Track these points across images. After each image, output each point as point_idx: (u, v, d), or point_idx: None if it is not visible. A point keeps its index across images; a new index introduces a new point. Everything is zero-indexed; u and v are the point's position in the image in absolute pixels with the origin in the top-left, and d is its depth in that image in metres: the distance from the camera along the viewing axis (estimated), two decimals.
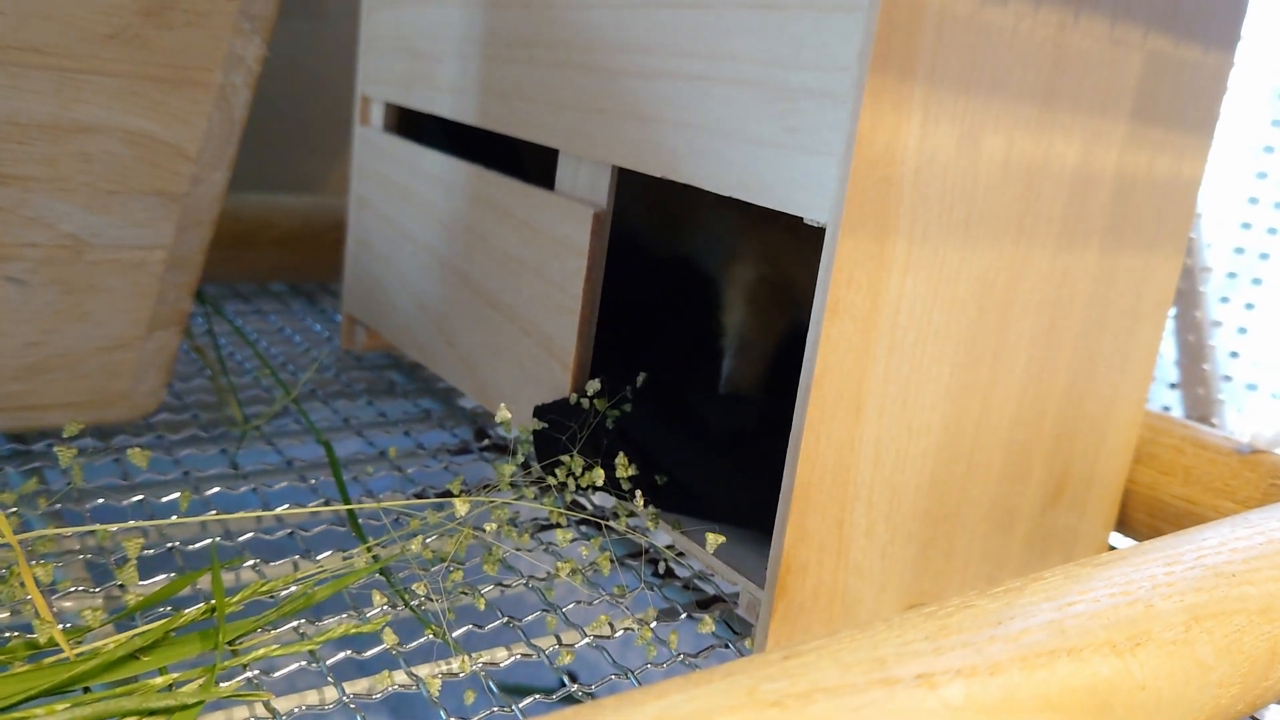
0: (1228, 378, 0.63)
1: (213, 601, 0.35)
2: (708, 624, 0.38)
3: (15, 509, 0.40)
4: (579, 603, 0.39)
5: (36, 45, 0.38)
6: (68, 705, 0.28)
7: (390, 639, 0.35)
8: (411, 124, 0.58)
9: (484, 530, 0.42)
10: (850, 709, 0.22)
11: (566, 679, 0.35)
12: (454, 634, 0.36)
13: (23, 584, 0.34)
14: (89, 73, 0.39)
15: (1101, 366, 0.42)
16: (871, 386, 0.34)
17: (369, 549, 0.40)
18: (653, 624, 0.39)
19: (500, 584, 0.40)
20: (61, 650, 0.31)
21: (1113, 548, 0.46)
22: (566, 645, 0.37)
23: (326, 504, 0.44)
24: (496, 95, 0.47)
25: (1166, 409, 0.64)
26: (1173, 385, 0.65)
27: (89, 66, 0.39)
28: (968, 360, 0.37)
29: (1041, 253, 0.38)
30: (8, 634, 0.33)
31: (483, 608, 0.38)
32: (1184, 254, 0.44)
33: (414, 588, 0.38)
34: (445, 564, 0.40)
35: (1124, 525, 0.47)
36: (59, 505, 0.41)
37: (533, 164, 0.48)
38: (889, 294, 0.34)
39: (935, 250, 0.34)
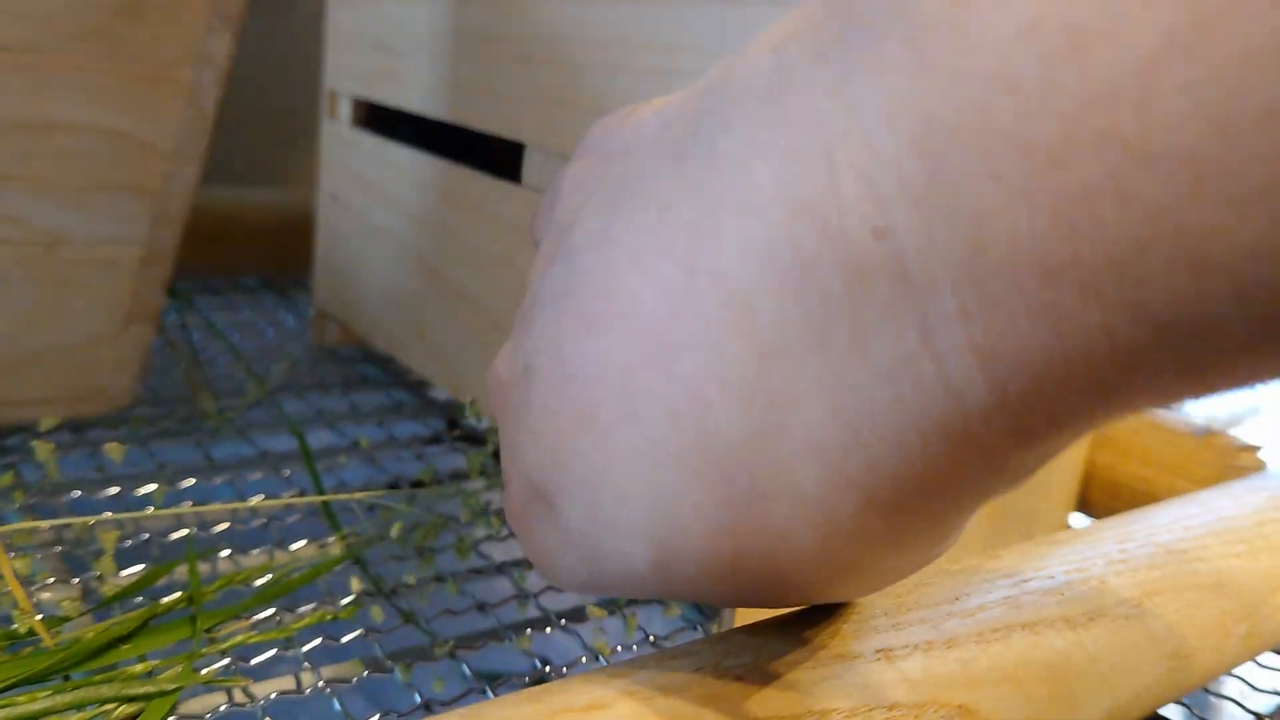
0: None
1: (189, 591, 0.35)
2: (673, 610, 0.39)
3: None
4: (550, 589, 0.40)
5: (7, 43, 0.38)
6: (49, 692, 0.29)
7: (378, 614, 0.35)
8: (382, 118, 0.59)
9: (456, 519, 0.43)
10: (811, 681, 0.23)
11: (539, 663, 0.36)
12: (428, 620, 0.37)
13: (1, 575, 0.35)
14: (61, 70, 0.40)
15: None
16: None
17: (343, 538, 0.40)
18: (624, 608, 0.39)
19: (473, 570, 0.41)
20: (40, 641, 0.32)
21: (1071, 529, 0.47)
22: (539, 630, 0.38)
23: (301, 495, 0.44)
24: (464, 90, 0.47)
25: None
26: None
27: (60, 63, 0.40)
28: None
29: None
30: None
31: (454, 593, 0.39)
32: None
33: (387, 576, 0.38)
34: (418, 551, 0.40)
35: (1085, 506, 0.49)
36: (35, 499, 0.42)
37: (501, 158, 0.49)
38: None
39: None
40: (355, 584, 0.37)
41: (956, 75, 0.14)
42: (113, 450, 0.40)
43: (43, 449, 0.39)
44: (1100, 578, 0.30)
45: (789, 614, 0.26)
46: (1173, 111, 0.13)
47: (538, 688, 0.22)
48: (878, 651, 0.25)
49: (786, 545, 0.18)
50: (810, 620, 0.26)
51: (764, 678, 0.23)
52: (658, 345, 0.18)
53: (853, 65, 0.15)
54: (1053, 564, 0.31)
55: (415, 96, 0.51)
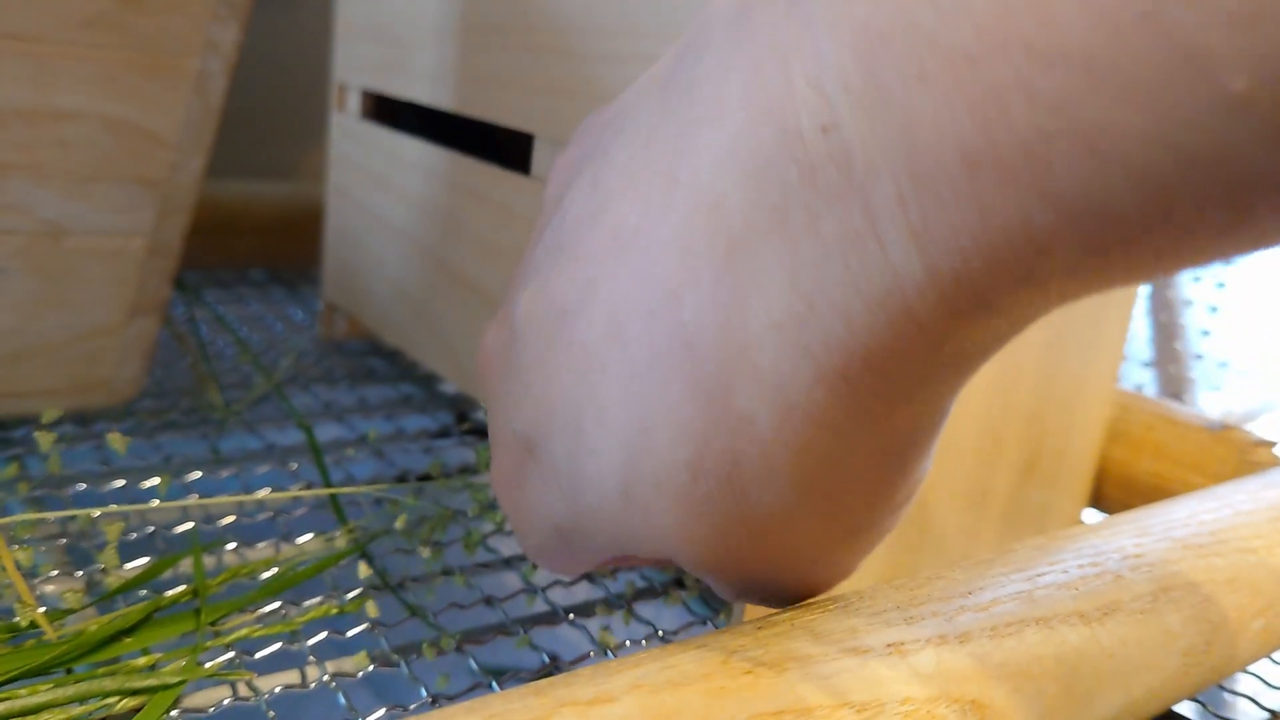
0: (1199, 356, 0.64)
1: (194, 584, 0.35)
2: (675, 598, 0.39)
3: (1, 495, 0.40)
4: (558, 583, 0.40)
5: (12, 31, 0.38)
6: (50, 685, 0.28)
7: (373, 610, 0.35)
8: (390, 110, 0.58)
9: (465, 513, 0.43)
10: (823, 676, 0.23)
11: (547, 658, 0.36)
12: (435, 614, 0.37)
13: (3, 568, 0.35)
14: (66, 59, 0.39)
15: (1073, 343, 0.43)
16: None
17: (350, 531, 0.40)
18: (632, 603, 0.39)
19: (480, 565, 0.40)
20: (42, 634, 0.32)
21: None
22: (547, 625, 0.37)
23: (308, 487, 0.44)
24: (473, 81, 0.47)
25: (1140, 387, 0.65)
26: (1146, 364, 0.66)
27: (66, 52, 0.39)
28: None
29: None
30: None
31: (462, 582, 0.39)
32: None
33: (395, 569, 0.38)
34: (425, 544, 0.40)
35: (1098, 501, 0.48)
36: (40, 491, 0.41)
37: (509, 149, 0.49)
38: None
39: None
40: (364, 570, 0.37)
41: None
42: (116, 441, 0.40)
43: (46, 439, 0.39)
44: (1115, 572, 0.30)
45: (798, 608, 0.26)
46: (1066, 15, 0.14)
47: (543, 681, 0.22)
48: (889, 645, 0.24)
49: (745, 435, 0.20)
50: (820, 613, 0.25)
51: (773, 671, 0.23)
52: (638, 257, 0.20)
53: None
54: (1067, 558, 0.30)
55: (424, 88, 0.51)
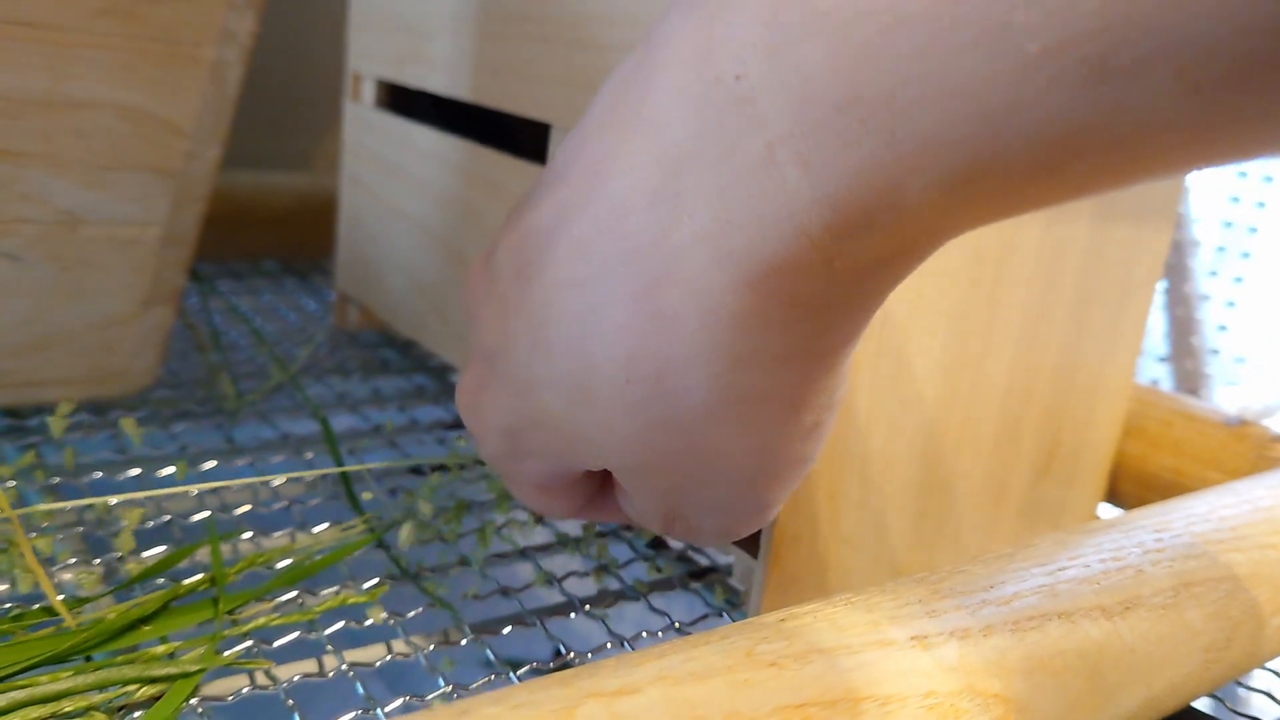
0: (1215, 351, 0.64)
1: (211, 572, 0.35)
2: (720, 592, 0.39)
3: (14, 483, 0.40)
4: (574, 574, 0.40)
5: (29, 19, 0.38)
6: (71, 672, 0.28)
7: (377, 615, 0.35)
8: (405, 100, 0.58)
9: (479, 504, 0.43)
10: (846, 669, 0.23)
11: (563, 648, 0.36)
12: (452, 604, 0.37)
13: (22, 556, 0.35)
14: (82, 47, 0.39)
15: (1091, 339, 0.43)
16: (864, 359, 0.35)
17: (365, 521, 0.40)
18: (649, 595, 0.39)
19: (496, 555, 0.40)
20: (61, 621, 0.32)
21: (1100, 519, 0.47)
22: (562, 615, 0.37)
23: (330, 469, 0.44)
24: (489, 71, 0.47)
25: (1155, 382, 0.65)
26: (1161, 359, 0.66)
27: (82, 41, 0.39)
28: (959, 333, 0.37)
29: (1033, 224, 0.38)
30: (8, 605, 0.33)
31: (481, 565, 0.39)
32: (1174, 227, 0.44)
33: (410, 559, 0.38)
34: (440, 535, 0.40)
35: (1113, 497, 0.48)
36: (57, 480, 0.41)
37: (525, 139, 0.48)
38: None
39: None
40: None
41: None
42: (129, 426, 0.40)
43: (57, 425, 0.39)
44: (1136, 567, 0.30)
45: (823, 601, 0.26)
46: None
47: (568, 671, 0.22)
48: (913, 638, 0.24)
49: (672, 335, 0.23)
50: (843, 606, 0.25)
51: (797, 663, 0.23)
52: (605, 184, 0.23)
53: None
54: (1088, 552, 0.30)
55: (440, 77, 0.51)
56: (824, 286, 0.22)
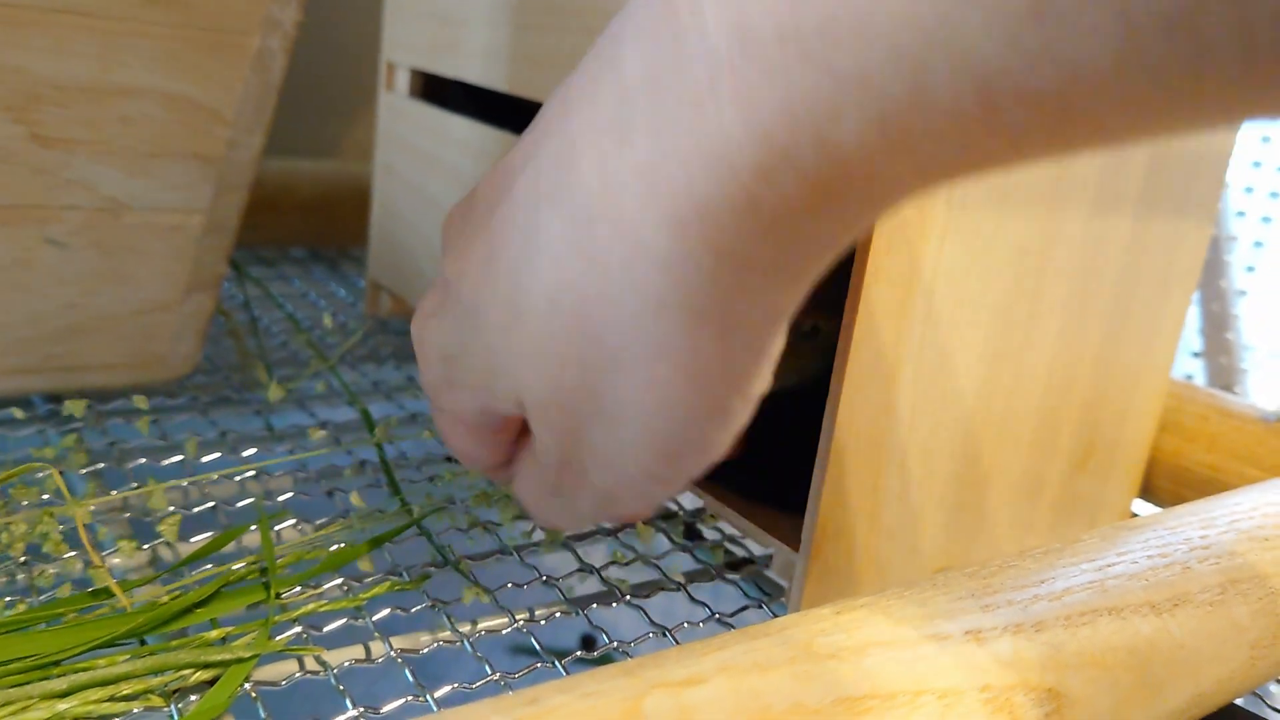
0: (1249, 346, 0.64)
1: (258, 556, 0.35)
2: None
3: (60, 468, 0.40)
4: (614, 563, 0.40)
5: (80, 8, 0.38)
6: (128, 656, 0.29)
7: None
8: (438, 89, 0.58)
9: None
10: (904, 661, 0.23)
11: (605, 637, 0.36)
12: (494, 592, 0.37)
13: (64, 540, 0.35)
14: (129, 35, 0.39)
15: (1130, 334, 0.43)
16: (908, 352, 0.35)
17: (406, 508, 0.40)
18: (688, 585, 0.39)
19: (536, 544, 0.41)
20: (114, 602, 0.32)
21: (1135, 515, 0.47)
22: (604, 604, 0.38)
23: (363, 464, 0.44)
24: (523, 61, 0.47)
25: (1189, 377, 0.65)
26: (1196, 354, 0.65)
27: (129, 29, 0.39)
28: (1002, 327, 0.37)
29: (1075, 219, 0.38)
30: (54, 590, 0.34)
31: (514, 551, 0.39)
32: (1213, 223, 0.44)
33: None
34: (481, 523, 0.40)
35: (1148, 492, 0.48)
36: (101, 465, 0.42)
37: None
38: (927, 260, 0.34)
39: (973, 216, 0.34)
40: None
41: None
42: (142, 403, 0.40)
43: (77, 406, 0.39)
44: (1183, 563, 0.30)
45: (876, 595, 0.26)
46: None
47: (629, 662, 0.22)
48: (967, 633, 0.25)
49: (597, 269, 0.23)
50: (897, 599, 0.25)
51: (856, 657, 0.23)
52: (570, 120, 0.24)
53: None
54: (1135, 549, 0.30)
55: (474, 68, 0.51)
56: (751, 237, 0.22)
